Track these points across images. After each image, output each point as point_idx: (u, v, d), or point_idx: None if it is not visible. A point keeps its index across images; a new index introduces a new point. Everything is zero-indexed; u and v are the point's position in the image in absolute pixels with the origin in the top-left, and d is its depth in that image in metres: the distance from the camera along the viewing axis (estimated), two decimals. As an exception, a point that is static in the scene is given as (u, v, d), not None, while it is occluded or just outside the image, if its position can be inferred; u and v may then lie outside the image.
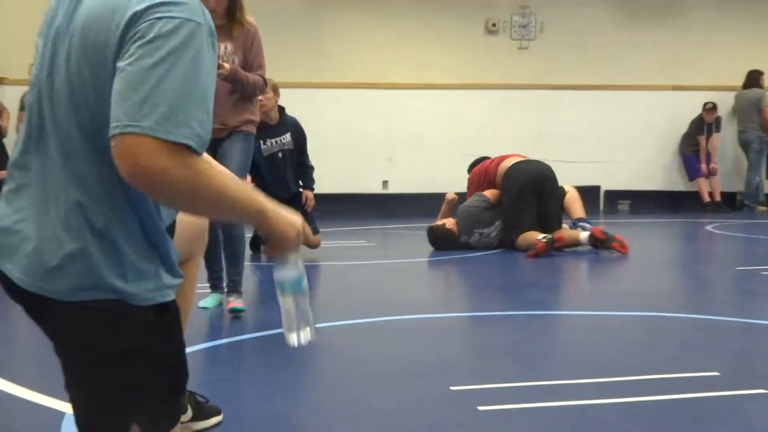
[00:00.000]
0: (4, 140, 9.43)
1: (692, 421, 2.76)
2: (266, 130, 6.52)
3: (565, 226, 7.41)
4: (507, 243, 7.35)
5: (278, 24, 10.50)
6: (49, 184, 1.95)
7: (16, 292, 1.97)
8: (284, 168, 6.89)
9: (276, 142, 6.81)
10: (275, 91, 6.62)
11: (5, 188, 2.04)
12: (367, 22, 11.30)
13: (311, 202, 6.96)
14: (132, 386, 1.98)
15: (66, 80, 1.92)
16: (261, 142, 6.45)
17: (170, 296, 2.02)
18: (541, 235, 6.91)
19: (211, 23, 1.91)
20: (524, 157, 7.69)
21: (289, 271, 2.07)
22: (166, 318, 2.02)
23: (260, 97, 6.29)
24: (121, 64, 1.80)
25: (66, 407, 2.88)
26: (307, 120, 10.51)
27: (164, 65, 1.79)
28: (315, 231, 6.72)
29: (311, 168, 7.16)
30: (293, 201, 6.73)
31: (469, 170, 8.21)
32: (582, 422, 2.77)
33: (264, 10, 10.24)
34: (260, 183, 6.58)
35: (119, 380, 1.96)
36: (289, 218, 2.03)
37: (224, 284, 4.56)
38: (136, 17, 1.81)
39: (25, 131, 2.01)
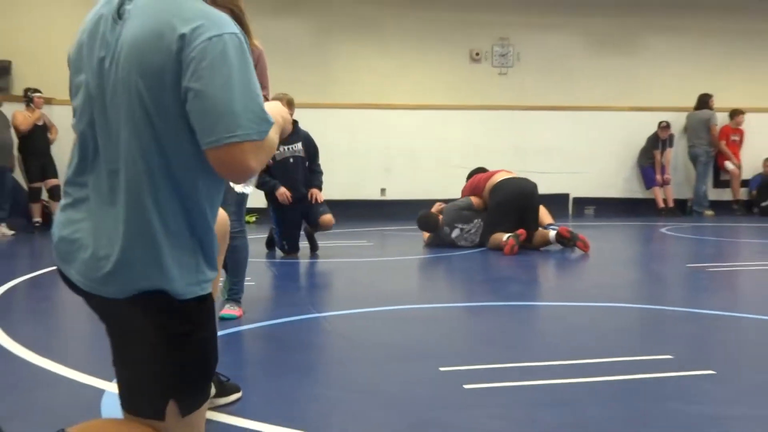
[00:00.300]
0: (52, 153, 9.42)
1: (649, 398, 2.76)
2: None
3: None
4: (484, 245, 7.43)
5: (291, 53, 10.53)
6: (104, 198, 1.95)
7: (77, 289, 1.99)
8: (294, 172, 6.78)
9: (288, 149, 6.73)
10: (290, 105, 6.52)
11: (62, 203, 2.04)
12: (368, 52, 11.30)
13: (318, 196, 6.87)
14: (175, 366, 1.98)
15: (123, 104, 1.89)
16: None
17: (209, 288, 2.03)
18: (506, 235, 6.99)
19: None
20: (512, 173, 7.69)
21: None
22: (206, 307, 2.03)
23: None
24: (191, 85, 1.83)
25: (105, 385, 2.88)
26: (315, 135, 10.47)
27: (233, 78, 1.85)
28: (325, 212, 6.83)
29: (320, 173, 7.08)
30: (302, 200, 6.79)
31: (468, 178, 8.18)
32: (553, 399, 2.77)
33: (279, 41, 10.30)
34: (268, 175, 6.66)
35: (165, 361, 1.96)
36: (278, 110, 2.18)
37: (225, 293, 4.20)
38: (186, 39, 1.83)
39: (79, 154, 2.00)
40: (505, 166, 8.06)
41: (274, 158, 6.43)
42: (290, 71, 10.19)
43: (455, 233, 7.55)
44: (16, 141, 9.03)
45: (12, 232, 8.68)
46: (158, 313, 1.94)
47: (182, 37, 1.84)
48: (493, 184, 7.45)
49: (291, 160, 6.75)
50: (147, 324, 1.95)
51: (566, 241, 7.11)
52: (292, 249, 6.93)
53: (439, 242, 7.65)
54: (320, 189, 6.95)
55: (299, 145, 6.83)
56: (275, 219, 6.93)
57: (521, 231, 7.00)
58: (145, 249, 1.90)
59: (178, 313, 1.95)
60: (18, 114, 9.06)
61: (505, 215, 7.21)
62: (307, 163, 6.92)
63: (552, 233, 7.24)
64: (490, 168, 8.11)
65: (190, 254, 1.97)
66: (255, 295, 4.96)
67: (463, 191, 7.98)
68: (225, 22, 1.90)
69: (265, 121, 1.90)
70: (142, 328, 1.96)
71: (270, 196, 6.76)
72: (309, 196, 6.84)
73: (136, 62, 1.87)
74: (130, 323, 1.97)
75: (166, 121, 1.90)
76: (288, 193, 6.66)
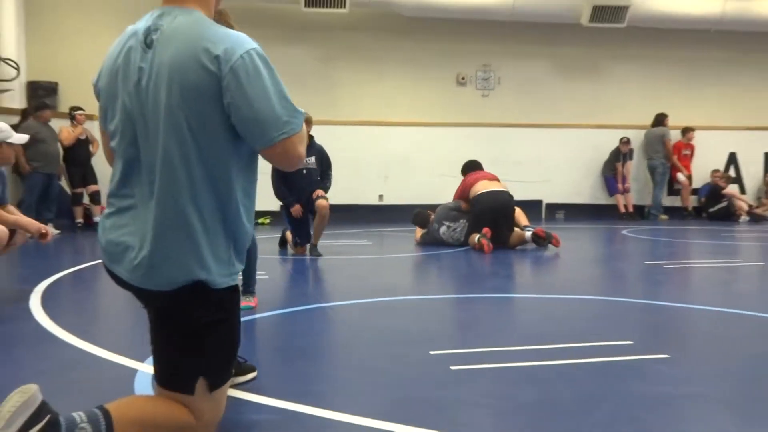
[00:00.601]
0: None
1: (611, 378, 2.76)
2: None
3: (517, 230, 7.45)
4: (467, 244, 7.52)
5: (300, 77, 10.55)
6: (148, 206, 1.96)
7: (124, 284, 2.01)
8: (306, 182, 6.66)
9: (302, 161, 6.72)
10: (308, 123, 6.47)
11: (107, 212, 2.07)
12: (367, 76, 11.32)
13: (320, 193, 6.72)
14: (207, 348, 2.01)
15: (164, 119, 1.91)
16: None
17: (237, 279, 2.06)
18: (476, 237, 7.13)
19: None
20: (494, 179, 7.73)
21: None
22: (235, 296, 2.05)
23: None
24: (234, 100, 1.88)
25: (138, 365, 2.87)
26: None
27: (267, 89, 1.91)
28: (325, 197, 6.72)
29: (329, 180, 7.00)
30: (308, 203, 6.72)
31: (462, 170, 8.21)
32: (528, 379, 2.77)
33: (290, 67, 10.33)
34: (285, 186, 6.61)
35: (199, 343, 1.99)
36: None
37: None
38: (221, 59, 1.87)
39: (122, 170, 2.02)
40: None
41: None
42: (299, 94, 10.13)
43: (442, 229, 7.63)
44: (61, 152, 9.03)
45: (58, 231, 8.67)
46: (196, 303, 1.96)
47: (217, 57, 1.88)
48: (475, 195, 7.50)
49: (304, 171, 6.64)
50: (186, 312, 1.97)
51: (541, 240, 7.19)
52: (303, 242, 6.87)
53: (430, 241, 7.69)
54: (325, 191, 6.83)
55: (312, 159, 6.74)
56: (288, 220, 6.85)
57: (486, 230, 7.12)
58: (187, 246, 1.92)
59: (213, 302, 1.98)
60: (63, 129, 9.08)
61: (483, 223, 7.28)
62: (319, 173, 6.86)
63: (528, 233, 7.30)
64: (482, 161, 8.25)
65: (224, 249, 1.99)
66: (269, 287, 4.95)
67: (455, 194, 7.99)
68: (246, 40, 1.96)
69: (299, 113, 1.98)
70: (181, 315, 1.98)
71: (286, 208, 6.72)
72: (314, 194, 6.73)
73: (177, 82, 1.89)
74: (171, 311, 1.98)
75: (205, 132, 1.92)
76: (300, 210, 6.65)
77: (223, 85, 1.88)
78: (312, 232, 6.88)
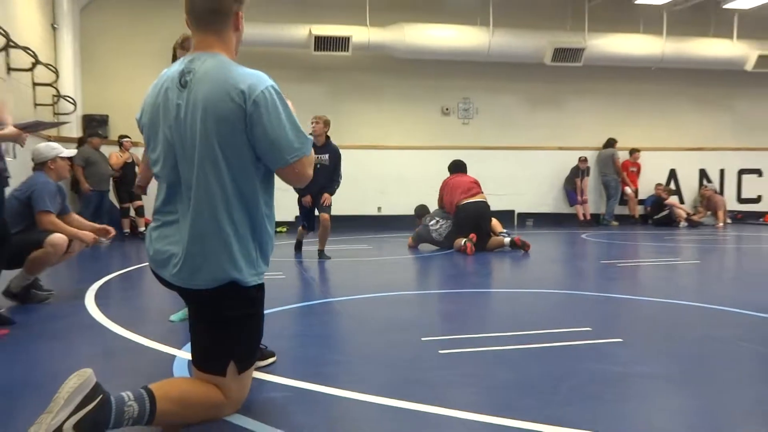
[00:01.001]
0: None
1: (573, 359, 2.75)
2: (313, 147, 6.30)
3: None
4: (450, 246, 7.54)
5: (312, 109, 10.39)
6: (187, 218, 1.97)
7: (170, 285, 2.05)
8: (318, 176, 6.27)
9: (318, 158, 6.30)
10: (326, 124, 6.61)
11: (153, 225, 2.11)
12: (368, 108, 11.32)
13: (328, 201, 6.57)
14: (238, 336, 2.03)
15: (200, 147, 1.94)
16: None
17: (263, 278, 2.07)
18: (463, 240, 7.15)
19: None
20: (474, 185, 7.70)
21: None
22: (261, 293, 2.08)
23: (312, 123, 6.55)
24: (256, 129, 1.92)
25: (176, 352, 2.86)
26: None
27: (281, 120, 1.95)
28: (326, 212, 6.60)
29: (338, 181, 6.79)
30: (317, 198, 6.62)
31: (450, 168, 8.18)
32: (504, 360, 2.76)
33: (304, 101, 10.24)
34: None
35: (232, 332, 2.01)
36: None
37: None
38: (246, 94, 1.91)
39: (165, 190, 2.05)
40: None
41: None
42: (310, 123, 10.19)
43: (432, 222, 7.77)
44: (111, 172, 9.02)
45: (108, 240, 8.64)
46: (229, 299, 1.99)
47: (242, 92, 1.92)
48: (460, 204, 7.49)
49: (318, 166, 6.26)
50: (221, 307, 1.98)
51: (518, 247, 7.19)
52: (309, 228, 6.85)
53: (420, 241, 7.79)
54: (332, 194, 6.67)
55: (326, 157, 6.56)
56: (299, 207, 6.81)
57: (472, 235, 7.15)
58: (222, 251, 1.95)
59: (243, 298, 2.01)
60: (113, 155, 9.09)
61: (465, 228, 7.30)
62: (332, 169, 6.67)
63: (507, 240, 7.32)
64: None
65: (252, 253, 2.03)
66: (285, 285, 4.94)
67: (439, 199, 7.96)
68: (265, 78, 1.99)
69: (308, 140, 2.02)
70: (217, 309, 1.99)
71: (299, 198, 6.71)
72: (321, 199, 6.60)
73: (210, 114, 1.92)
74: (208, 305, 2.00)
75: (234, 154, 1.95)
76: (310, 201, 6.62)
77: (247, 114, 1.91)
78: (317, 230, 6.77)
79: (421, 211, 8.60)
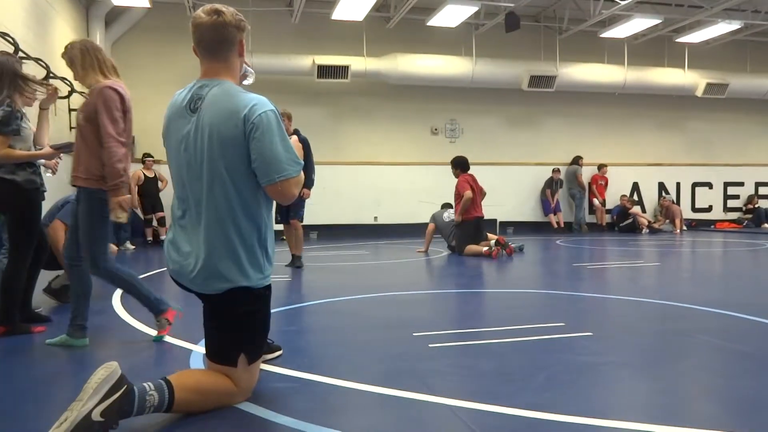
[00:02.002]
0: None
1: (549, 351, 2.74)
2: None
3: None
4: (456, 252, 7.44)
5: (314, 129, 10.46)
6: (198, 231, 1.98)
7: (187, 289, 2.04)
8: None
9: None
10: (288, 118, 5.64)
11: (169, 237, 2.09)
12: (364, 128, 11.33)
13: (307, 194, 5.81)
14: (249, 331, 2.01)
15: (208, 165, 1.95)
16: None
17: (270, 279, 2.05)
18: (485, 247, 7.11)
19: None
20: (481, 191, 7.69)
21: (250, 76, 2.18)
22: (268, 292, 2.06)
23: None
24: (253, 146, 1.90)
25: (192, 346, 2.83)
26: (330, 183, 10.55)
27: (275, 141, 1.91)
28: (297, 216, 5.88)
29: (311, 175, 5.95)
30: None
31: (462, 164, 7.78)
32: (488, 353, 2.75)
33: (307, 122, 10.27)
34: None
35: (242, 328, 1.99)
36: (297, 147, 2.09)
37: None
38: (247, 117, 1.90)
39: (178, 206, 2.05)
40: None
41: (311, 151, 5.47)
42: (313, 141, 10.05)
43: (445, 215, 7.84)
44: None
45: (133, 246, 8.63)
46: (240, 299, 1.97)
47: (245, 116, 1.91)
48: (476, 216, 7.44)
49: None
50: (232, 306, 1.97)
51: (502, 245, 7.17)
52: (283, 221, 5.93)
53: (435, 221, 7.87)
54: (309, 187, 5.87)
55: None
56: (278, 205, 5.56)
57: (500, 238, 7.26)
58: (232, 262, 1.94)
59: (252, 297, 1.99)
60: (135, 172, 9.11)
61: (476, 236, 7.34)
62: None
63: (492, 242, 7.28)
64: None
65: (260, 259, 2.00)
66: (290, 287, 4.92)
67: (458, 193, 7.58)
68: (265, 102, 1.98)
69: (298, 164, 1.97)
70: (229, 308, 1.97)
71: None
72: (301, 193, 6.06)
73: (217, 136, 1.92)
74: (221, 305, 1.98)
75: (237, 172, 1.93)
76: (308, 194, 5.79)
77: (246, 133, 1.91)
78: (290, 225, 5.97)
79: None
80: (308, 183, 5.80)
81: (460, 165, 7.79)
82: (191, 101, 2.00)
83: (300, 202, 5.89)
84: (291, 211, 5.81)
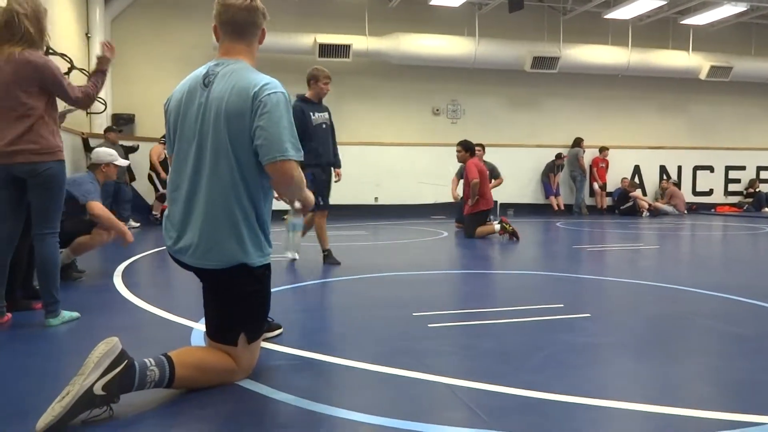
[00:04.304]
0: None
1: (548, 331, 2.75)
2: (313, 105, 4.99)
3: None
4: (467, 235, 7.31)
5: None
6: (199, 205, 1.97)
7: (185, 266, 2.02)
8: (326, 137, 5.04)
9: (320, 116, 4.98)
10: (328, 78, 5.09)
11: (167, 212, 2.08)
12: (366, 108, 11.28)
13: (339, 175, 5.37)
14: (248, 310, 2.01)
15: (215, 139, 1.94)
16: (311, 113, 4.91)
17: (269, 259, 2.05)
18: (498, 227, 7.10)
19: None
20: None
21: (298, 219, 2.15)
22: (268, 272, 2.05)
23: (327, 84, 5.00)
24: (259, 123, 1.89)
25: (193, 324, 2.85)
26: (332, 163, 10.48)
27: (282, 121, 1.91)
28: (323, 207, 5.02)
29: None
30: (332, 165, 5.21)
31: (471, 147, 7.60)
32: (487, 333, 2.76)
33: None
34: (311, 147, 4.80)
35: (242, 307, 1.99)
36: (309, 195, 2.16)
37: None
38: (256, 95, 1.90)
39: (181, 177, 2.02)
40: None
41: (312, 121, 4.90)
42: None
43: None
44: (127, 163, 8.90)
45: (138, 224, 8.66)
46: (239, 278, 1.96)
47: (255, 93, 1.91)
48: (487, 202, 7.38)
49: (324, 125, 5.01)
50: (232, 284, 1.96)
51: (505, 225, 7.11)
52: (325, 207, 5.02)
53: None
54: (339, 165, 5.34)
55: (326, 115, 5.05)
56: (311, 181, 4.73)
57: (504, 219, 7.22)
58: (232, 237, 1.93)
59: (252, 277, 1.98)
60: (155, 147, 9.12)
61: (481, 223, 7.28)
62: (331, 131, 5.18)
63: (496, 225, 7.22)
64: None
65: (260, 237, 2.00)
66: (290, 267, 4.92)
67: (470, 175, 7.36)
68: (276, 84, 1.98)
69: (299, 150, 1.95)
70: (229, 286, 1.97)
71: (305, 168, 4.51)
72: (335, 175, 5.29)
73: (224, 109, 1.93)
74: (221, 283, 1.98)
75: (243, 149, 1.94)
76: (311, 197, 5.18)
77: (254, 110, 1.90)
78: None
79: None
80: (339, 162, 5.30)
81: (469, 148, 7.62)
82: (206, 76, 2.02)
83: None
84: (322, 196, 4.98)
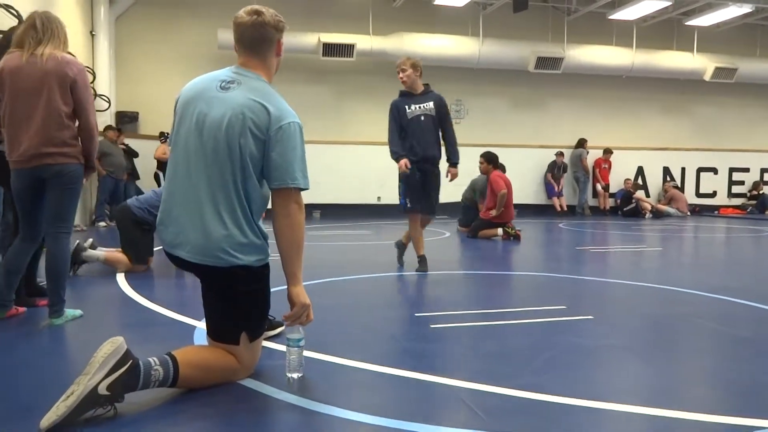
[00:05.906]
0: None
1: (550, 333, 2.75)
2: (411, 97, 4.70)
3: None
4: (470, 235, 7.41)
5: (319, 108, 10.55)
6: (199, 203, 1.96)
7: (183, 263, 2.01)
8: (424, 130, 4.59)
9: (419, 107, 4.60)
10: (414, 68, 4.69)
11: (161, 209, 2.06)
12: (368, 107, 11.20)
13: (453, 175, 4.63)
14: (248, 309, 2.02)
15: (221, 145, 1.93)
16: (406, 106, 4.62)
17: (269, 258, 2.05)
18: (500, 230, 7.18)
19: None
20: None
21: (296, 333, 2.05)
22: (267, 271, 2.05)
23: (399, 75, 4.71)
24: (275, 149, 1.92)
25: (196, 323, 2.85)
26: (336, 162, 10.57)
27: (296, 150, 1.94)
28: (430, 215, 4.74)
29: (455, 143, 4.73)
30: (431, 161, 4.63)
31: (495, 159, 7.73)
32: (489, 334, 2.76)
33: (311, 101, 10.35)
34: (407, 144, 4.59)
35: (242, 306, 1.99)
36: (305, 299, 2.05)
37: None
38: (276, 118, 1.94)
39: (179, 175, 2.02)
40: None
41: (407, 115, 4.60)
42: (318, 120, 10.21)
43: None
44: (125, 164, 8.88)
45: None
46: (239, 278, 1.97)
47: (275, 116, 1.94)
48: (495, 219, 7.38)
49: (422, 117, 4.59)
50: (232, 283, 1.96)
51: (508, 229, 7.19)
52: (412, 209, 4.61)
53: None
54: (456, 166, 4.65)
55: (431, 104, 4.63)
56: (403, 181, 4.67)
57: (512, 230, 7.25)
58: (227, 241, 1.93)
59: (251, 276, 1.99)
60: (160, 147, 9.15)
61: (490, 226, 7.31)
62: (437, 123, 4.66)
63: (499, 229, 7.29)
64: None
65: (257, 240, 2.00)
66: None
67: (494, 188, 7.44)
68: (295, 114, 2.01)
69: (307, 180, 1.98)
70: (229, 285, 1.97)
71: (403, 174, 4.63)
72: (447, 174, 4.61)
73: (242, 120, 1.98)
74: (221, 282, 1.98)
75: (251, 161, 1.95)
76: (407, 164, 4.51)
77: (270, 135, 1.92)
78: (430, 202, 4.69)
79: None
80: (452, 156, 4.72)
81: (492, 161, 7.66)
82: (224, 81, 2.03)
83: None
84: (430, 200, 4.68)
